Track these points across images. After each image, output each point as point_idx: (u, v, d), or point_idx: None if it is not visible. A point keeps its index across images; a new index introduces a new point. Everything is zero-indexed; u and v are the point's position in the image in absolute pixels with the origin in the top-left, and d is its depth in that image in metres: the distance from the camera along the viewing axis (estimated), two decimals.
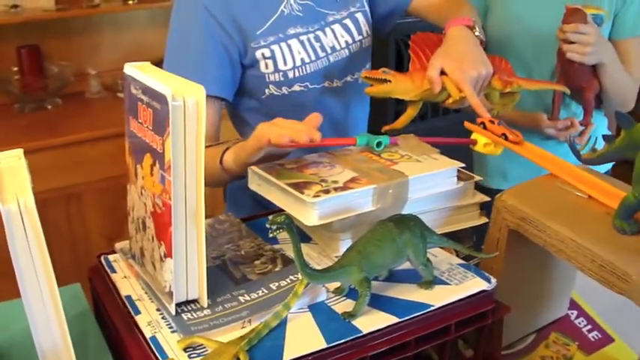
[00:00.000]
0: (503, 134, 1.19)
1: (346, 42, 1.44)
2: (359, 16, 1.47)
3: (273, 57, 1.35)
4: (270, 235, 0.84)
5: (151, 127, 0.89)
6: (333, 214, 0.99)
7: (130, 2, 2.98)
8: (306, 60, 1.38)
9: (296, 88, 1.38)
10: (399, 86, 1.32)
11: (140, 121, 0.92)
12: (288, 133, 1.04)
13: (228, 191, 1.60)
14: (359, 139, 1.16)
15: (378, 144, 1.16)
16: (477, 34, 1.35)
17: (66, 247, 2.67)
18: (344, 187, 1.00)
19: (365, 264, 0.90)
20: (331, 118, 1.44)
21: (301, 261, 0.86)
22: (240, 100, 1.42)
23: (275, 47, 1.35)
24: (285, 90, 1.38)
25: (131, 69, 0.94)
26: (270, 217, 0.84)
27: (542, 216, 1.03)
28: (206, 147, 0.88)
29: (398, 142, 1.19)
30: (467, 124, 1.24)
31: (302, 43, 1.38)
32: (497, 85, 1.37)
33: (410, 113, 1.37)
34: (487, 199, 1.17)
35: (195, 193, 0.89)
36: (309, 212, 0.98)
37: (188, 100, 0.84)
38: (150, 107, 0.88)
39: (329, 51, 1.41)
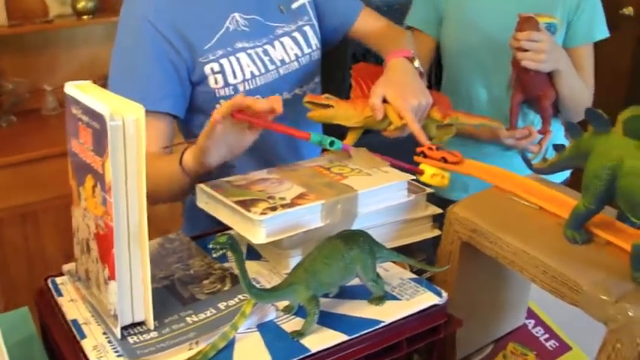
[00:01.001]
0: (442, 157, 1.19)
1: (296, 55, 1.44)
2: (307, 29, 1.48)
3: (222, 71, 1.34)
4: (214, 256, 0.82)
5: (91, 148, 0.88)
6: (282, 232, 0.98)
7: (85, 17, 2.94)
8: (256, 73, 1.37)
9: None
10: (342, 112, 1.32)
11: (81, 141, 0.90)
12: (245, 100, 1.05)
13: (186, 208, 1.58)
14: (313, 136, 1.14)
15: (332, 143, 1.15)
16: (416, 65, 1.38)
17: (23, 266, 2.62)
18: (292, 204, 0.99)
19: (312, 282, 0.89)
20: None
21: (247, 281, 0.85)
22: (192, 118, 1.40)
23: (224, 61, 1.35)
24: None
25: (71, 88, 0.92)
26: (215, 238, 0.82)
27: (493, 228, 1.02)
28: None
29: (350, 151, 1.18)
30: (416, 158, 1.25)
31: (250, 56, 1.37)
32: (437, 116, 1.38)
33: (350, 139, 1.36)
34: (439, 211, 1.17)
35: (137, 214, 0.87)
36: (257, 230, 0.97)
37: (127, 119, 0.82)
38: (89, 127, 0.86)
39: (278, 64, 1.41)
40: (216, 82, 1.35)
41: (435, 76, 2.24)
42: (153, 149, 1.27)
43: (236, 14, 1.38)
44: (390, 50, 1.40)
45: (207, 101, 1.37)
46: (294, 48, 1.44)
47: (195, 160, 1.14)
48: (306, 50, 1.46)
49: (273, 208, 0.98)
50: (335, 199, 1.02)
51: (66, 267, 1.08)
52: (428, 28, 1.84)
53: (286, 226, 0.98)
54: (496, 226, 1.03)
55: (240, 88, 1.36)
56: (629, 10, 4.12)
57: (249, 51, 1.37)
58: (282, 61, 1.42)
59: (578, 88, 1.76)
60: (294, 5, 1.47)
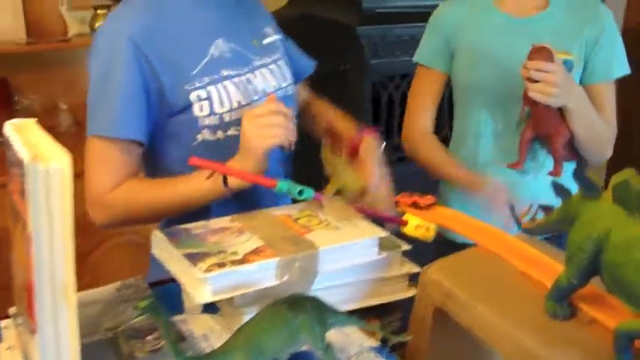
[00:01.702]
0: (414, 202, 1.11)
1: (274, 87, 1.41)
2: (282, 64, 1.47)
3: (209, 98, 1.29)
4: (133, 322, 0.75)
5: (19, 193, 0.81)
6: (230, 289, 0.91)
7: None
8: (242, 102, 1.33)
9: (232, 131, 1.31)
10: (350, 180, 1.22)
11: (12, 184, 0.84)
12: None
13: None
14: (280, 185, 1.09)
15: (300, 192, 1.08)
16: None
17: None
18: (243, 260, 0.92)
19: (253, 349, 0.81)
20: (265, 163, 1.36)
21: (175, 347, 0.77)
22: (166, 151, 1.34)
23: (211, 88, 1.30)
24: (220, 134, 1.31)
25: (9, 127, 0.86)
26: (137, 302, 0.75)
27: (468, 294, 0.94)
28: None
29: (323, 200, 1.10)
30: (398, 200, 1.18)
31: (236, 85, 1.33)
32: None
33: (330, 189, 1.28)
34: (416, 270, 1.08)
35: (63, 266, 0.80)
36: (202, 287, 0.90)
37: (51, 167, 0.75)
38: (17, 171, 0.80)
39: (261, 94, 1.37)
40: (201, 110, 1.29)
41: (447, 113, 2.16)
42: (121, 177, 1.26)
43: (219, 41, 1.34)
44: (353, 127, 1.40)
45: (187, 130, 1.31)
46: (272, 80, 1.41)
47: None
48: (283, 84, 1.44)
49: (221, 265, 0.90)
50: (292, 257, 0.94)
51: (12, 310, 1.02)
52: (439, 63, 1.77)
53: (235, 284, 0.91)
54: (471, 293, 0.94)
55: (226, 117, 1.31)
56: None
57: (234, 79, 1.33)
58: (264, 92, 1.38)
59: (597, 128, 1.66)
60: (266, 41, 1.46)
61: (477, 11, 1.72)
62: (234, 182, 1.17)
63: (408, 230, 1.18)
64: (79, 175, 0.97)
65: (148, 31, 1.26)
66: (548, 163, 1.70)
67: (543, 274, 0.97)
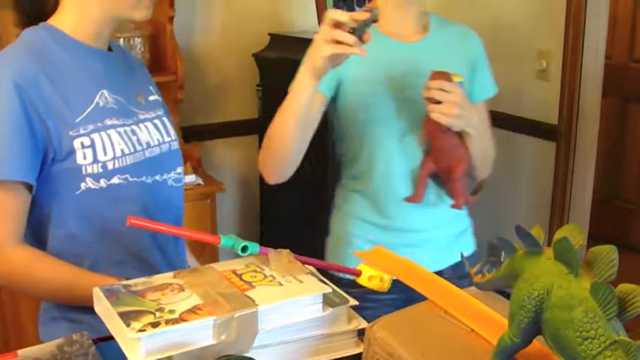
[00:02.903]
0: None
1: (158, 140, 1.43)
2: (165, 120, 1.49)
3: (92, 146, 1.29)
4: None
5: None
6: (165, 349, 0.89)
7: None
8: (126, 151, 1.34)
9: (115, 180, 1.32)
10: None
11: None
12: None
13: (42, 316, 1.45)
14: (224, 240, 1.08)
15: (244, 249, 1.06)
16: None
17: None
18: (178, 320, 0.90)
19: None
20: (149, 215, 1.36)
21: None
22: (49, 200, 1.31)
23: (95, 136, 1.30)
24: (103, 182, 1.31)
25: None
26: None
27: (412, 353, 0.92)
28: None
29: (269, 254, 1.08)
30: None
31: (120, 134, 1.34)
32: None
33: None
34: (365, 325, 1.05)
35: None
36: (135, 347, 0.88)
37: None
38: None
39: (144, 146, 1.39)
40: (84, 158, 1.28)
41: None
42: (17, 224, 1.26)
43: (105, 91, 1.36)
44: None
45: (70, 179, 1.29)
46: (156, 134, 1.43)
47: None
48: (166, 138, 1.46)
49: (155, 324, 0.88)
50: (229, 315, 0.92)
51: None
52: (323, 86, 1.57)
53: (171, 344, 0.89)
54: (416, 352, 0.92)
55: (110, 166, 1.31)
56: None
57: (119, 129, 1.34)
58: (148, 144, 1.40)
59: (489, 146, 1.71)
60: (151, 98, 1.49)
61: None
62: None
63: (362, 281, 1.16)
64: None
65: (34, 76, 1.26)
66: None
67: (492, 332, 0.95)
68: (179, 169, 1.49)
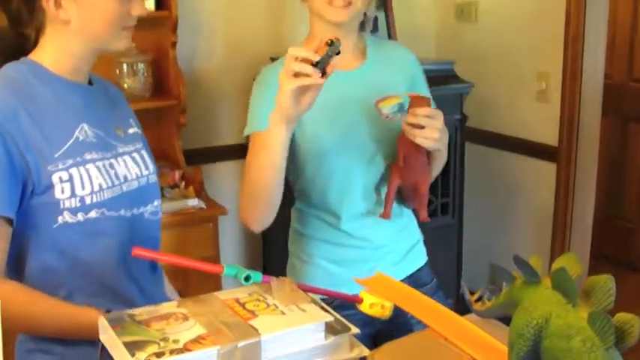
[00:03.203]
0: None
1: (136, 174, 1.45)
2: (144, 153, 1.51)
3: (71, 180, 1.30)
4: None
5: None
6: None
7: None
8: (104, 186, 1.35)
9: (93, 214, 1.33)
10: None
11: None
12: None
13: (18, 348, 1.45)
14: (226, 269, 1.09)
15: (247, 278, 1.08)
16: None
17: None
18: (182, 350, 0.91)
19: None
20: (125, 248, 1.35)
21: None
22: (26, 233, 1.32)
23: (73, 170, 1.31)
24: (80, 216, 1.32)
25: None
26: None
27: None
28: None
29: (271, 283, 1.09)
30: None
31: (99, 169, 1.35)
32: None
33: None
34: (366, 352, 1.06)
35: None
36: None
37: None
38: None
39: (122, 180, 1.40)
40: (62, 192, 1.30)
41: None
42: None
43: (84, 125, 1.37)
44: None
45: (47, 213, 1.31)
46: (134, 167, 1.45)
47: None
48: (144, 172, 1.47)
49: (160, 354, 0.89)
50: (233, 345, 0.93)
51: None
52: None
53: None
54: None
55: (87, 200, 1.32)
56: None
57: (97, 163, 1.36)
58: (125, 178, 1.41)
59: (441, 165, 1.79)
60: (130, 131, 1.50)
61: None
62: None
63: (363, 308, 1.18)
64: None
65: (14, 111, 1.27)
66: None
67: (493, 359, 0.96)
68: (156, 202, 1.50)
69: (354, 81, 1.70)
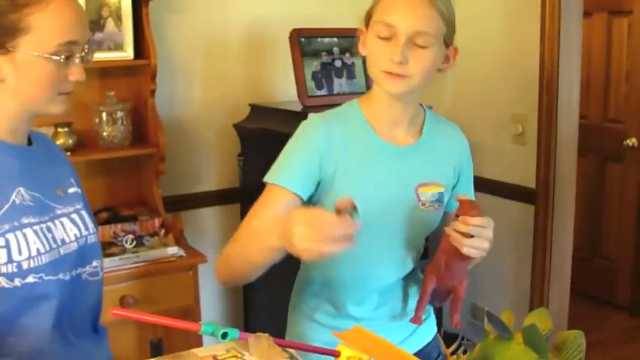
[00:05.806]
0: None
1: (75, 235, 1.42)
2: (84, 213, 1.48)
3: (7, 246, 1.28)
4: None
5: None
6: None
7: (66, 154, 2.93)
8: (42, 250, 1.33)
9: (30, 279, 1.30)
10: None
11: None
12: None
13: None
14: (204, 327, 1.09)
15: (224, 335, 1.08)
16: None
17: None
18: None
19: None
20: (66, 312, 1.36)
21: None
22: None
23: (10, 236, 1.29)
24: (17, 282, 1.29)
25: None
26: None
27: None
28: None
29: (249, 340, 1.10)
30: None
31: (36, 232, 1.33)
32: None
33: None
34: None
35: None
36: None
37: None
38: None
39: (60, 243, 1.38)
40: None
41: None
42: None
43: (21, 189, 1.34)
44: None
45: None
46: (73, 229, 1.42)
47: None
48: (84, 232, 1.45)
49: None
50: None
51: None
52: (297, 187, 1.53)
53: None
54: None
55: (25, 265, 1.30)
56: (632, 141, 4.14)
57: (34, 227, 1.33)
58: (63, 241, 1.39)
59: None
60: (70, 190, 1.48)
61: (354, 133, 1.58)
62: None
63: None
64: None
65: None
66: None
67: None
68: (95, 263, 1.47)
69: (402, 159, 1.60)
